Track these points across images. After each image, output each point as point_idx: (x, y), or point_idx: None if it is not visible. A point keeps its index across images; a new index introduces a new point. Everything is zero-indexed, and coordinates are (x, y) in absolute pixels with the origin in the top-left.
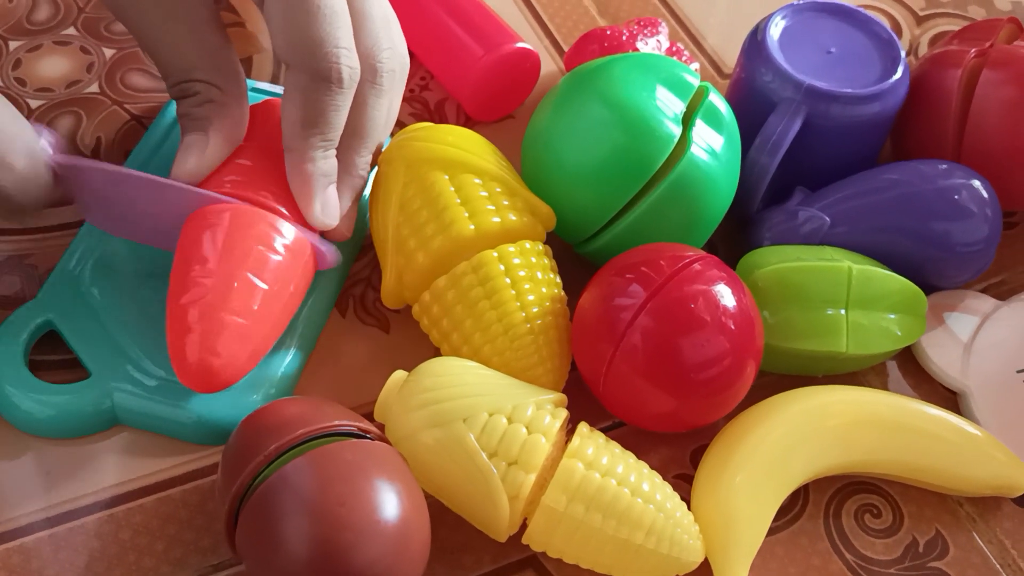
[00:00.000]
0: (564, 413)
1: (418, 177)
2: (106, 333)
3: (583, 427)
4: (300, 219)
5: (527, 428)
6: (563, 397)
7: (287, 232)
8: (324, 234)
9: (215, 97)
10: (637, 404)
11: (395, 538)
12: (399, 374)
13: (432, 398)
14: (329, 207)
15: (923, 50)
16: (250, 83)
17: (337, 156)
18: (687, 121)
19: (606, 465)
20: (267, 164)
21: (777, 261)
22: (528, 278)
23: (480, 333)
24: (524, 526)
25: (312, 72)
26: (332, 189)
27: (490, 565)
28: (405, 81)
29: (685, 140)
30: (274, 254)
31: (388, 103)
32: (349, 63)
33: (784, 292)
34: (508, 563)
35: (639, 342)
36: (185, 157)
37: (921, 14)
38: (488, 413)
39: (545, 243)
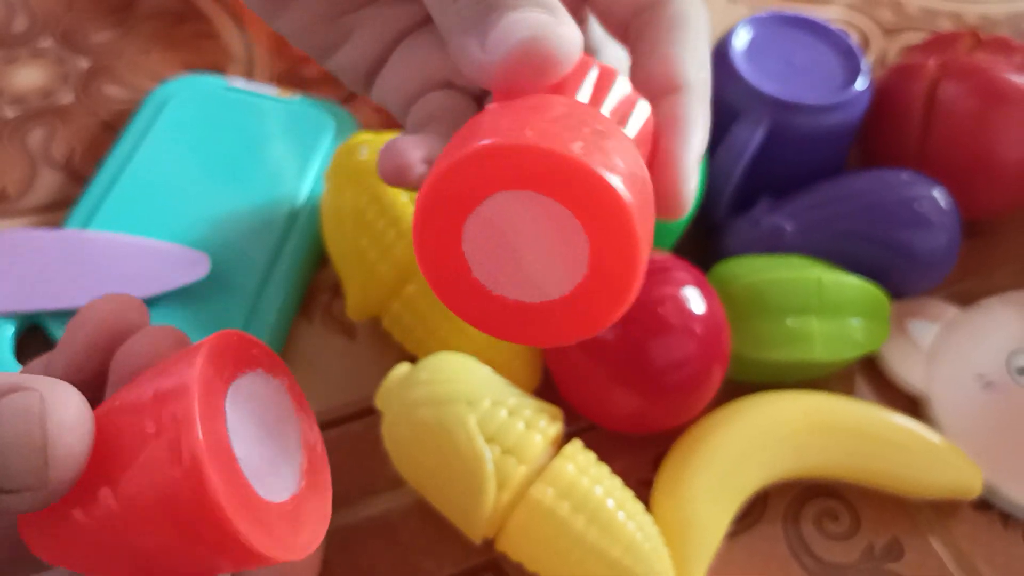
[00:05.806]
0: (560, 425)
1: (369, 187)
2: None
3: (576, 442)
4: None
5: (525, 424)
6: (559, 411)
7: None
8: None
9: None
10: (604, 405)
11: None
12: (404, 365)
13: (440, 378)
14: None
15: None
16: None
17: None
18: None
19: (595, 474)
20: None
21: (748, 273)
22: None
23: (456, 335)
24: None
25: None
26: None
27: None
28: None
29: None
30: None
31: None
32: None
33: (757, 303)
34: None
35: (607, 343)
36: None
37: (890, 28)
38: (491, 402)
39: None
